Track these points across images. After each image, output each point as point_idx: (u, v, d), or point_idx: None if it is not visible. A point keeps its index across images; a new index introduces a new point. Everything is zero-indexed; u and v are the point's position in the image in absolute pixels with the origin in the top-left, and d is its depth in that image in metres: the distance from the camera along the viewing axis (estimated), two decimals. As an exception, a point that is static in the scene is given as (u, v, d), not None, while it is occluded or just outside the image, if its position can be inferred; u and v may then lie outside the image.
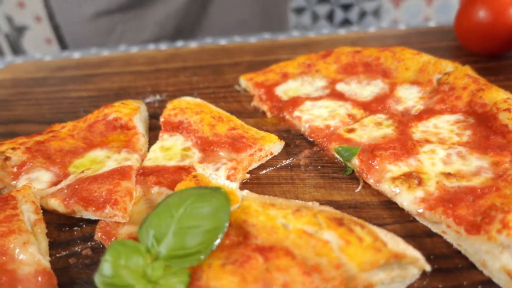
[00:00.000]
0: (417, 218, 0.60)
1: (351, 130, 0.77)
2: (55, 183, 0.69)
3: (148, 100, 1.03)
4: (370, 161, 0.68)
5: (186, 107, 0.84)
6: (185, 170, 0.70)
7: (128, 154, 0.74)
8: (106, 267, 0.44)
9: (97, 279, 0.44)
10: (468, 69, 0.84)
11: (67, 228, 0.64)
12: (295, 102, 0.87)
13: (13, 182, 0.70)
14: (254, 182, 0.71)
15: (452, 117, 0.77)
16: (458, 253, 0.54)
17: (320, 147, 0.77)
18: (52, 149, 0.77)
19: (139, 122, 0.85)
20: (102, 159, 0.74)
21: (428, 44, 1.15)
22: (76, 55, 1.49)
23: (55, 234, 0.63)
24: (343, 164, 0.72)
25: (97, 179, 0.66)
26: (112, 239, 0.58)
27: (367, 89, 0.90)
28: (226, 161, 0.71)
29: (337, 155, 0.74)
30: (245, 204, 0.54)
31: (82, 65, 1.30)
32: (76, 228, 0.64)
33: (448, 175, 0.63)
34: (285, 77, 0.98)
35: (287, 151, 0.78)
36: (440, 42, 1.17)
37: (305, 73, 0.99)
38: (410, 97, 0.85)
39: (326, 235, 0.46)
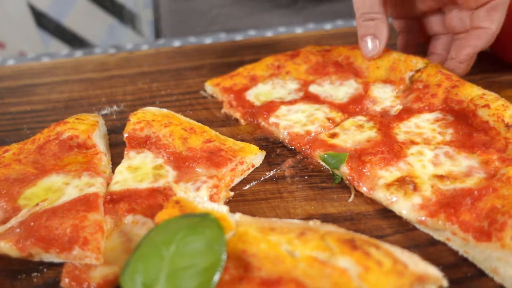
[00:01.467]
0: (418, 226, 0.57)
1: (333, 135, 0.73)
2: (3, 221, 0.58)
3: (104, 112, 0.93)
4: (360, 168, 0.65)
5: (152, 120, 0.75)
6: (161, 193, 0.62)
7: (91, 178, 0.64)
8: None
9: None
10: (439, 66, 0.84)
11: (24, 275, 0.54)
12: (270, 107, 0.82)
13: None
14: (239, 199, 0.65)
15: (431, 116, 0.76)
16: (465, 260, 0.52)
17: (303, 155, 0.73)
18: (-5, 179, 0.65)
19: (99, 139, 0.75)
20: (60, 187, 0.63)
21: (393, 41, 1.15)
22: (11, 62, 1.32)
23: (7, 285, 0.52)
24: (331, 172, 0.68)
25: (57, 213, 0.56)
26: (84, 285, 0.49)
27: (341, 90, 0.87)
28: (206, 179, 0.65)
29: (323, 163, 0.70)
30: (241, 230, 0.48)
31: (20, 74, 1.14)
32: (35, 274, 0.54)
33: (441, 177, 0.61)
34: (254, 80, 0.92)
35: (268, 162, 0.72)
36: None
37: (275, 75, 0.93)
38: (385, 97, 0.83)
39: (342, 262, 0.41)
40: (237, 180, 0.68)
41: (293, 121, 0.78)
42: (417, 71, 0.85)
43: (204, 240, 0.44)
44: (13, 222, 0.57)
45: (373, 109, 0.81)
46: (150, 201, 0.61)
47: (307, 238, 0.45)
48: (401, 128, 0.73)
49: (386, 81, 0.87)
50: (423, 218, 0.55)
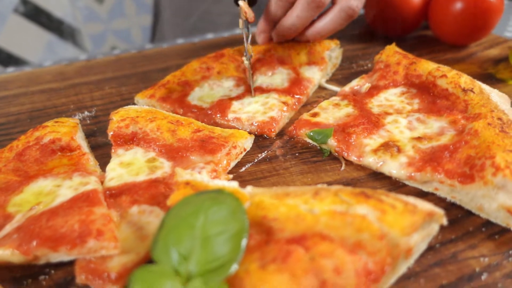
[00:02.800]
0: (407, 182, 0.63)
1: (315, 114, 0.78)
2: (-4, 230, 0.54)
3: (76, 118, 0.89)
4: (347, 139, 0.69)
5: (136, 116, 0.74)
6: (161, 183, 0.62)
7: (84, 178, 0.62)
8: (136, 303, 0.36)
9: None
10: (395, 47, 0.93)
11: (30, 281, 0.51)
12: (222, 105, 0.82)
13: None
14: (238, 181, 0.65)
15: (397, 90, 0.83)
16: (453, 205, 0.58)
17: (289, 135, 0.76)
18: (-25, 190, 0.60)
19: (82, 141, 0.73)
20: (51, 190, 0.61)
21: (341, 33, 1.23)
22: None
23: (15, 292, 0.49)
24: (318, 147, 0.73)
25: (57, 213, 0.54)
26: (104, 276, 0.48)
27: (276, 78, 0.91)
28: (204, 165, 0.65)
29: (309, 140, 0.74)
30: (256, 200, 0.50)
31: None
32: (42, 277, 0.51)
33: (418, 139, 0.68)
34: (188, 85, 0.90)
35: (257, 145, 0.75)
36: (353, 31, 1.27)
37: (207, 77, 0.93)
38: (315, 76, 0.91)
39: (359, 209, 0.45)
40: (232, 164, 0.69)
41: (253, 112, 0.80)
42: (379, 53, 0.93)
43: (227, 210, 0.45)
44: (8, 228, 0.54)
45: (343, 90, 0.87)
46: (152, 191, 0.60)
47: (322, 196, 0.48)
48: (373, 103, 0.80)
49: (309, 63, 0.95)
50: (412, 174, 0.61)
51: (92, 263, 0.50)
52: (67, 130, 0.71)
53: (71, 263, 0.52)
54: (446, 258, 0.50)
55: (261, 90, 0.87)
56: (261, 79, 0.91)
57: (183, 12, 1.66)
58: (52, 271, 0.52)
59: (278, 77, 0.92)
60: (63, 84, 1.07)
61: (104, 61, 1.21)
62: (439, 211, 0.46)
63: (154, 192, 0.60)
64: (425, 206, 0.46)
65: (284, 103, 0.82)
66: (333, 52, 1.00)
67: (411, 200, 0.47)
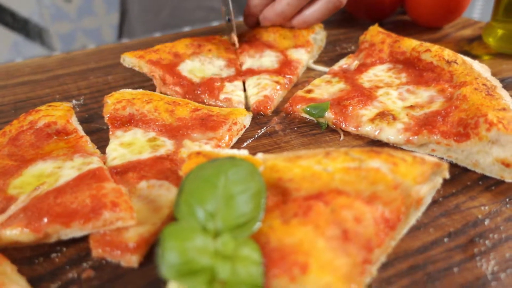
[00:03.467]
0: (404, 146, 0.66)
1: (309, 91, 0.80)
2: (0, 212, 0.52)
3: (66, 105, 0.87)
4: (343, 111, 0.72)
5: (132, 98, 0.74)
6: (166, 159, 0.62)
7: (85, 158, 0.61)
8: (172, 255, 0.36)
9: (166, 271, 0.35)
10: (378, 27, 0.96)
11: (41, 259, 0.49)
12: (212, 85, 0.83)
13: None
14: (242, 155, 0.67)
15: (383, 67, 0.86)
16: (449, 164, 0.61)
17: (285, 112, 0.78)
18: (-29, 175, 0.58)
19: (78, 125, 0.71)
20: (53, 171, 0.59)
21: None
22: None
23: (27, 270, 0.48)
24: (315, 121, 0.74)
25: (65, 191, 0.53)
26: (121, 247, 0.47)
27: (265, 60, 0.92)
28: (207, 141, 0.66)
29: (306, 115, 0.75)
30: (269, 164, 0.51)
31: None
32: (54, 254, 0.50)
33: (411, 107, 0.71)
34: (178, 57, 0.90)
35: (256, 122, 0.76)
36: (333, 17, 1.30)
37: (197, 53, 0.93)
38: (303, 57, 0.93)
39: (373, 163, 0.47)
40: (234, 140, 0.70)
41: (249, 94, 0.82)
42: (363, 34, 0.96)
43: (246, 171, 0.46)
44: (13, 209, 0.52)
45: (332, 69, 0.90)
46: (158, 167, 0.60)
47: (333, 156, 0.50)
48: (363, 79, 0.83)
49: (296, 46, 0.97)
50: (410, 138, 0.64)
51: (108, 236, 0.49)
52: (62, 113, 0.69)
53: (81, 239, 0.51)
54: (450, 209, 0.53)
55: (252, 72, 0.88)
56: (251, 61, 0.92)
57: (152, 9, 1.63)
58: (64, 249, 0.50)
59: (267, 59, 0.93)
60: (45, 76, 1.04)
61: (85, 53, 1.18)
62: (444, 163, 0.49)
63: (161, 167, 0.60)
64: (431, 158, 0.49)
65: (276, 82, 0.84)
66: (318, 35, 1.02)
67: (417, 154, 0.50)
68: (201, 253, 0.37)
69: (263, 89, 0.82)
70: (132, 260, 0.47)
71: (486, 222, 0.51)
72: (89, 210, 0.49)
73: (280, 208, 0.46)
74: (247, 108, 0.80)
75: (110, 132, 0.70)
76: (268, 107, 0.78)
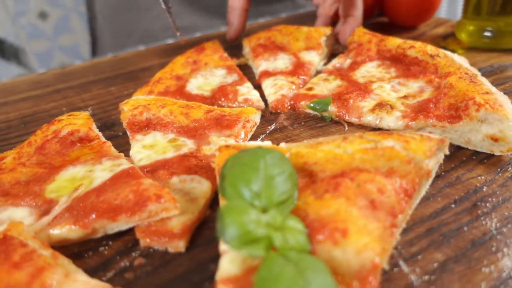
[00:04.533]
0: (404, 131, 0.73)
1: (310, 89, 0.86)
2: (44, 213, 0.55)
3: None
4: (345, 104, 0.79)
5: (148, 104, 0.78)
6: (191, 157, 0.66)
7: (114, 161, 0.65)
8: (232, 229, 0.41)
9: (229, 242, 0.40)
10: (363, 29, 1.05)
11: (91, 253, 0.53)
12: (224, 91, 0.87)
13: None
14: (258, 149, 0.72)
15: (373, 63, 0.94)
16: (445, 143, 0.69)
17: (291, 109, 0.84)
18: (6, 183, 0.61)
19: (98, 131, 0.75)
20: (85, 175, 0.62)
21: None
22: None
23: (80, 263, 0.51)
24: (320, 115, 0.81)
25: (104, 190, 0.56)
26: (168, 235, 0.52)
27: (278, 63, 0.98)
28: (224, 138, 0.71)
29: (310, 111, 0.82)
30: (294, 151, 0.56)
31: None
32: (102, 248, 0.53)
33: (404, 97, 0.79)
34: (181, 79, 0.93)
35: (265, 120, 0.82)
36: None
37: (196, 70, 0.97)
38: (315, 59, 0.99)
39: (387, 143, 0.54)
40: (249, 136, 0.75)
41: (266, 94, 0.88)
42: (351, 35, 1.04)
43: (278, 155, 0.51)
44: (57, 209, 0.55)
45: (326, 68, 0.97)
46: (185, 164, 0.64)
47: (350, 140, 0.56)
48: (357, 75, 0.90)
49: (307, 48, 1.03)
50: (409, 123, 0.71)
51: (153, 227, 0.53)
52: (83, 121, 0.73)
53: (125, 233, 0.55)
54: (452, 181, 0.60)
55: (268, 74, 0.94)
56: (265, 64, 0.97)
57: (122, 34, 1.62)
58: (110, 242, 0.54)
59: (281, 62, 0.98)
60: (45, 91, 1.06)
61: (81, 67, 1.21)
62: (446, 139, 0.56)
63: (187, 164, 0.64)
64: (435, 136, 0.56)
65: (291, 82, 0.89)
66: (328, 40, 1.07)
67: (423, 133, 0.57)
68: (257, 225, 0.42)
69: (280, 89, 0.87)
70: (179, 245, 0.51)
71: (484, 189, 0.58)
72: (133, 204, 0.53)
73: (311, 187, 0.52)
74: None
75: (130, 137, 0.73)
76: (286, 105, 0.84)
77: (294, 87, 0.88)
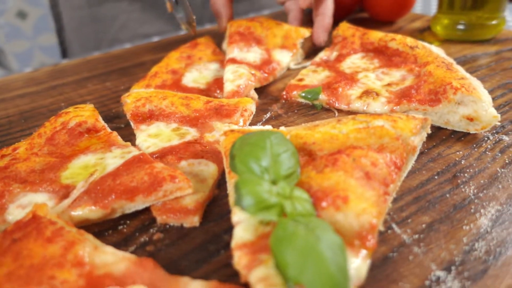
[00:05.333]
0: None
1: (300, 80, 0.92)
2: (63, 197, 0.59)
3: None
4: (334, 92, 0.85)
5: (149, 96, 0.82)
6: (195, 143, 0.71)
7: (123, 149, 0.68)
8: (248, 197, 0.46)
9: (246, 209, 0.45)
10: (347, 24, 1.11)
11: (111, 232, 0.57)
12: (220, 83, 0.92)
13: (4, 216, 0.56)
14: (257, 135, 0.77)
15: (357, 55, 1.01)
16: (426, 125, 0.76)
17: (283, 99, 0.90)
18: (22, 172, 0.64)
19: (104, 123, 0.78)
20: (97, 162, 0.66)
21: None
22: None
23: (102, 242, 0.55)
24: (311, 104, 0.87)
25: (119, 174, 0.61)
26: (183, 211, 0.56)
27: (249, 55, 1.00)
28: (228, 124, 0.75)
29: (302, 100, 0.88)
30: (294, 133, 0.62)
31: None
32: (120, 227, 0.57)
33: (388, 85, 0.86)
34: (176, 73, 0.97)
35: (260, 109, 0.87)
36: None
37: (190, 64, 1.00)
38: (285, 60, 1.03)
39: (377, 122, 0.60)
40: (247, 124, 0.80)
41: (224, 79, 0.90)
42: (335, 30, 1.10)
43: (281, 136, 0.57)
44: (76, 193, 0.59)
45: (314, 61, 1.03)
46: (191, 149, 0.69)
47: (344, 121, 0.62)
48: (343, 66, 0.97)
49: (282, 47, 1.06)
50: (394, 107, 0.78)
51: (168, 205, 0.58)
52: (90, 113, 0.76)
53: (141, 212, 0.59)
54: (435, 156, 0.67)
55: (234, 61, 0.96)
56: (237, 52, 1.00)
57: (90, 44, 1.63)
58: (128, 221, 0.58)
59: (252, 55, 1.00)
60: (41, 88, 1.08)
61: (73, 64, 1.23)
62: (428, 118, 0.63)
63: (193, 150, 0.69)
64: (419, 115, 0.63)
65: (252, 74, 0.91)
66: (306, 42, 1.11)
67: (408, 114, 0.63)
68: (269, 194, 0.48)
69: (239, 78, 0.88)
70: (194, 220, 0.56)
71: (463, 162, 0.66)
72: (149, 184, 0.58)
73: (311, 164, 0.57)
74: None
75: (135, 127, 0.77)
76: (237, 97, 0.85)
77: (253, 79, 0.90)
